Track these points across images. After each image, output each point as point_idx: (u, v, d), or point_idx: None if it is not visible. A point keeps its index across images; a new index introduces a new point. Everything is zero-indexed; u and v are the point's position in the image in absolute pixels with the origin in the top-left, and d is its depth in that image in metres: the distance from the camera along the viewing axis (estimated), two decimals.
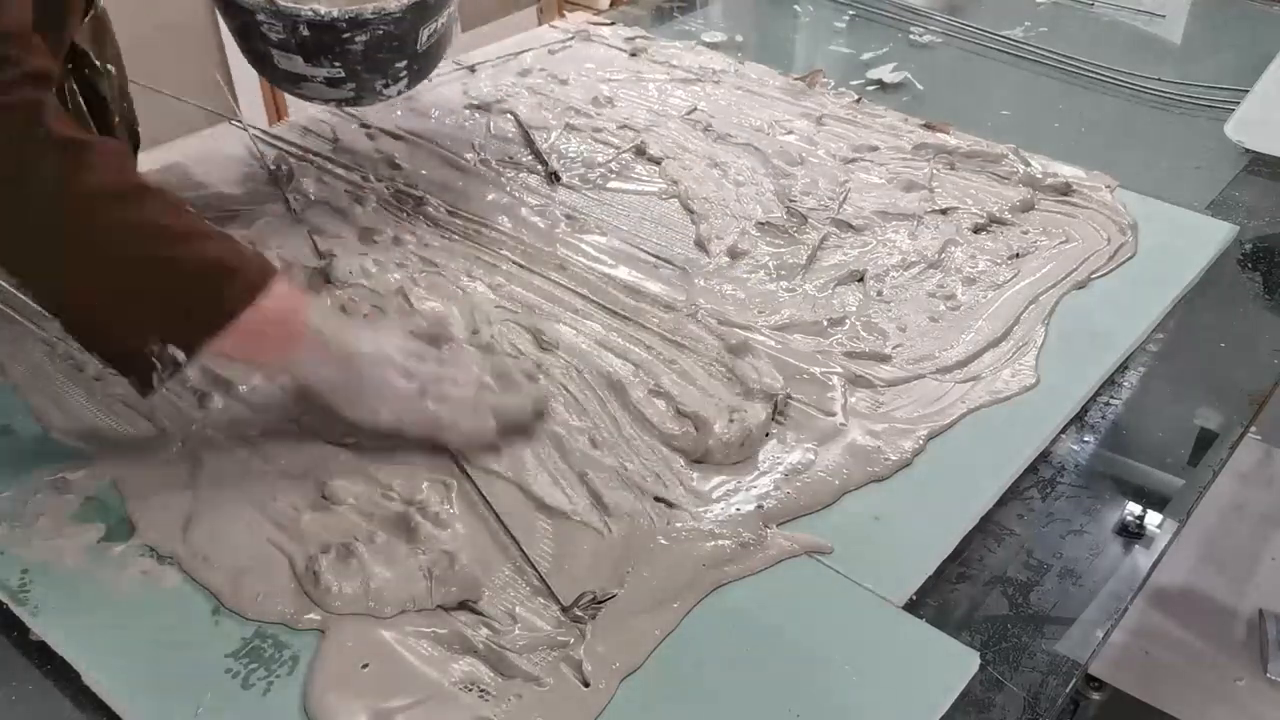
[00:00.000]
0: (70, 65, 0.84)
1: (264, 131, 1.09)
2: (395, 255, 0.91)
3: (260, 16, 0.87)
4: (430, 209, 0.98)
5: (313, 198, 0.98)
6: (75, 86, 0.86)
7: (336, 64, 0.90)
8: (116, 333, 0.64)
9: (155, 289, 0.63)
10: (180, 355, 0.64)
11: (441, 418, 0.69)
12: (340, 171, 1.03)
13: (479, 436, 0.70)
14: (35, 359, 0.78)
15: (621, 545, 0.65)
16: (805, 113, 1.17)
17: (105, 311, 0.64)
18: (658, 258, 0.92)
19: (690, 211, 0.99)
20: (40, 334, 0.80)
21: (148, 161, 1.07)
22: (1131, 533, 0.69)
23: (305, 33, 0.87)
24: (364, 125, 1.12)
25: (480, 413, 0.70)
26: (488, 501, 0.67)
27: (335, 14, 0.87)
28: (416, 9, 0.90)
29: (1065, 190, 1.03)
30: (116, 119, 0.92)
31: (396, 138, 1.10)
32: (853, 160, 1.08)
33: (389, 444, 0.70)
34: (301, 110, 1.14)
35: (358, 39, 0.88)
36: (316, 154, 1.06)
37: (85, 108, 0.87)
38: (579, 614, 0.60)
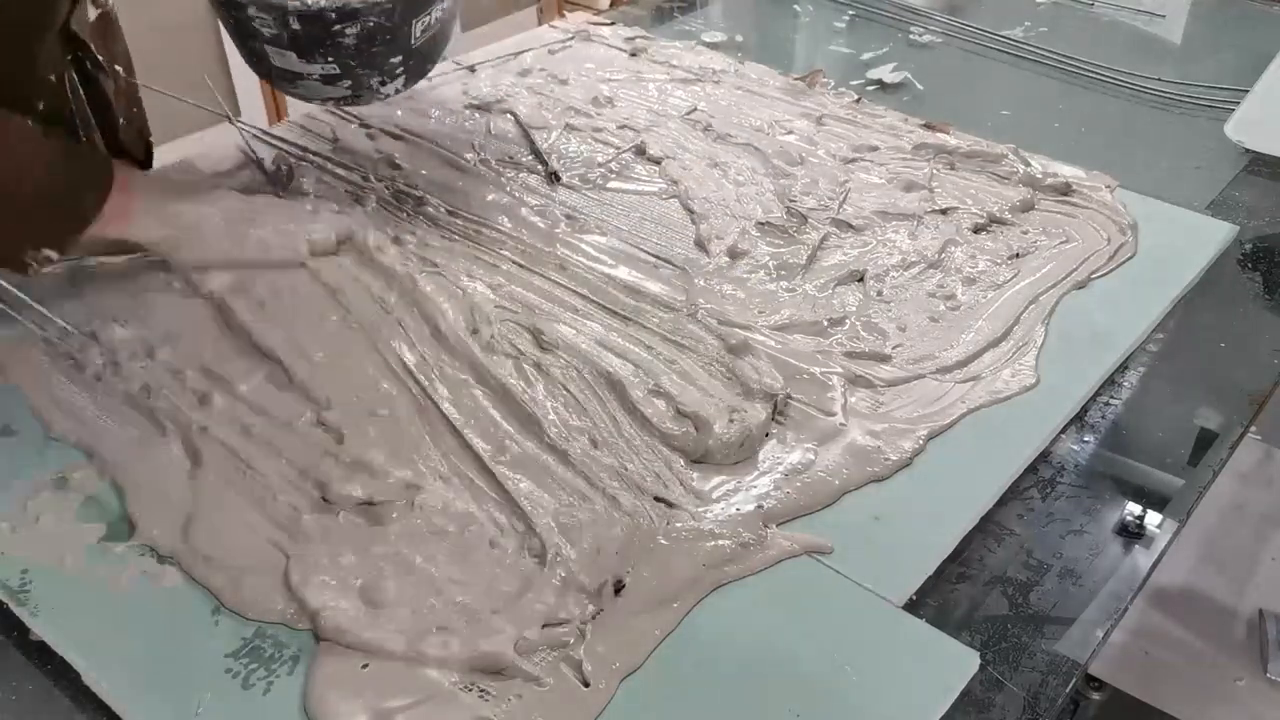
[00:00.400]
0: (70, 57, 0.85)
1: (264, 131, 1.09)
2: (396, 255, 0.91)
3: (251, 10, 0.88)
4: (430, 209, 0.98)
5: (313, 198, 0.98)
6: (76, 79, 0.86)
7: (330, 59, 0.90)
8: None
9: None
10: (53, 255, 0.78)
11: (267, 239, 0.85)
12: (340, 171, 1.03)
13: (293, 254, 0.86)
14: (35, 359, 0.78)
15: (624, 543, 0.65)
16: (805, 113, 1.17)
17: None
18: (658, 258, 0.92)
19: (690, 211, 0.99)
20: (41, 334, 0.80)
21: None
22: (1131, 533, 0.69)
23: (295, 26, 0.87)
24: (364, 125, 1.12)
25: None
26: (505, 491, 0.67)
27: (324, 4, 0.87)
28: (406, 0, 0.90)
29: (1065, 190, 1.03)
30: (122, 121, 0.92)
31: (396, 138, 1.10)
32: (853, 160, 1.08)
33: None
34: (301, 110, 1.15)
35: (348, 31, 0.88)
36: (316, 154, 1.06)
37: (86, 103, 0.88)
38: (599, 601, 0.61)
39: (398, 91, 0.98)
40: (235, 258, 0.86)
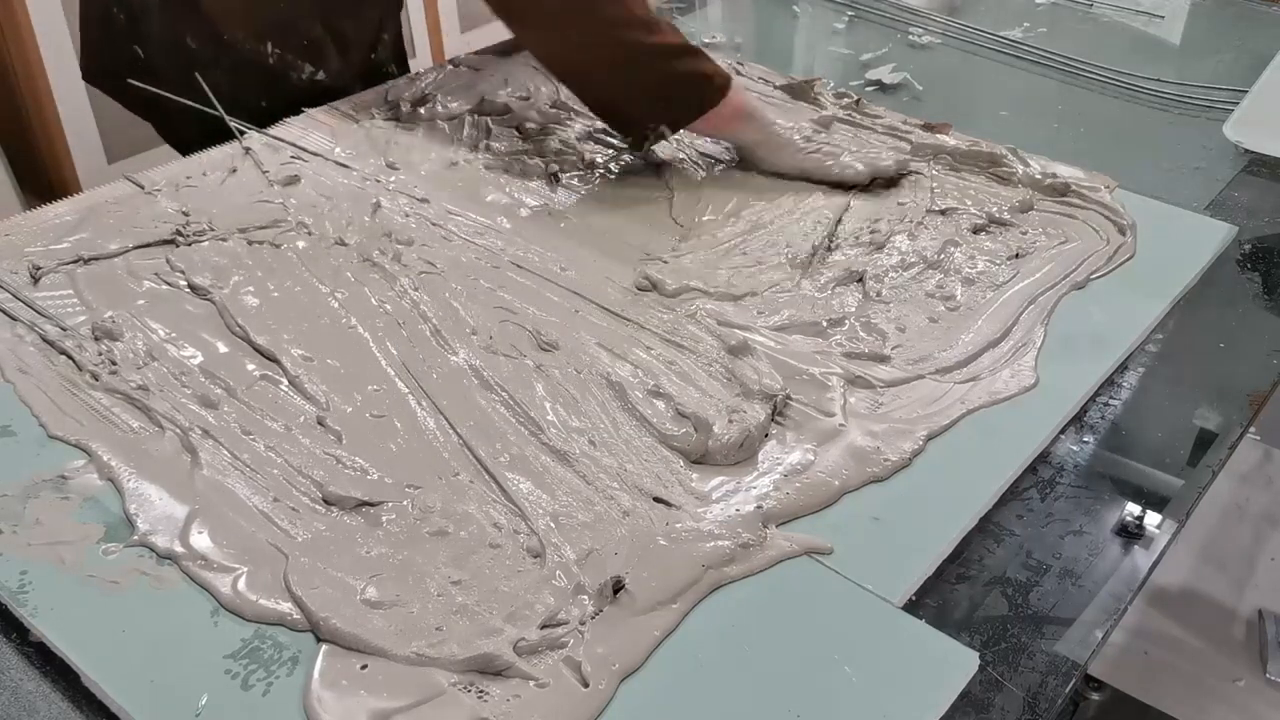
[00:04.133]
0: None
1: (263, 132, 1.09)
2: (395, 256, 0.91)
3: None
4: (430, 209, 0.98)
5: (313, 199, 0.98)
6: None
7: None
8: (626, 114, 1.02)
9: (658, 89, 1.00)
10: (667, 131, 1.02)
11: (827, 163, 1.03)
12: (340, 173, 1.03)
13: (852, 176, 1.03)
14: (35, 359, 0.78)
15: (624, 544, 0.65)
16: (804, 114, 1.17)
17: (624, 102, 1.02)
18: (658, 258, 0.92)
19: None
20: (40, 334, 0.80)
21: (147, 162, 1.07)
22: (1131, 533, 0.69)
23: None
24: (364, 125, 1.12)
25: (850, 162, 1.04)
26: (505, 490, 0.67)
27: None
28: None
29: (1064, 191, 1.03)
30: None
31: (396, 138, 1.10)
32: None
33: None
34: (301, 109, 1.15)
35: None
36: (316, 154, 1.06)
37: None
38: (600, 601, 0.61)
39: None
40: (804, 169, 1.04)
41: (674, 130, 1.01)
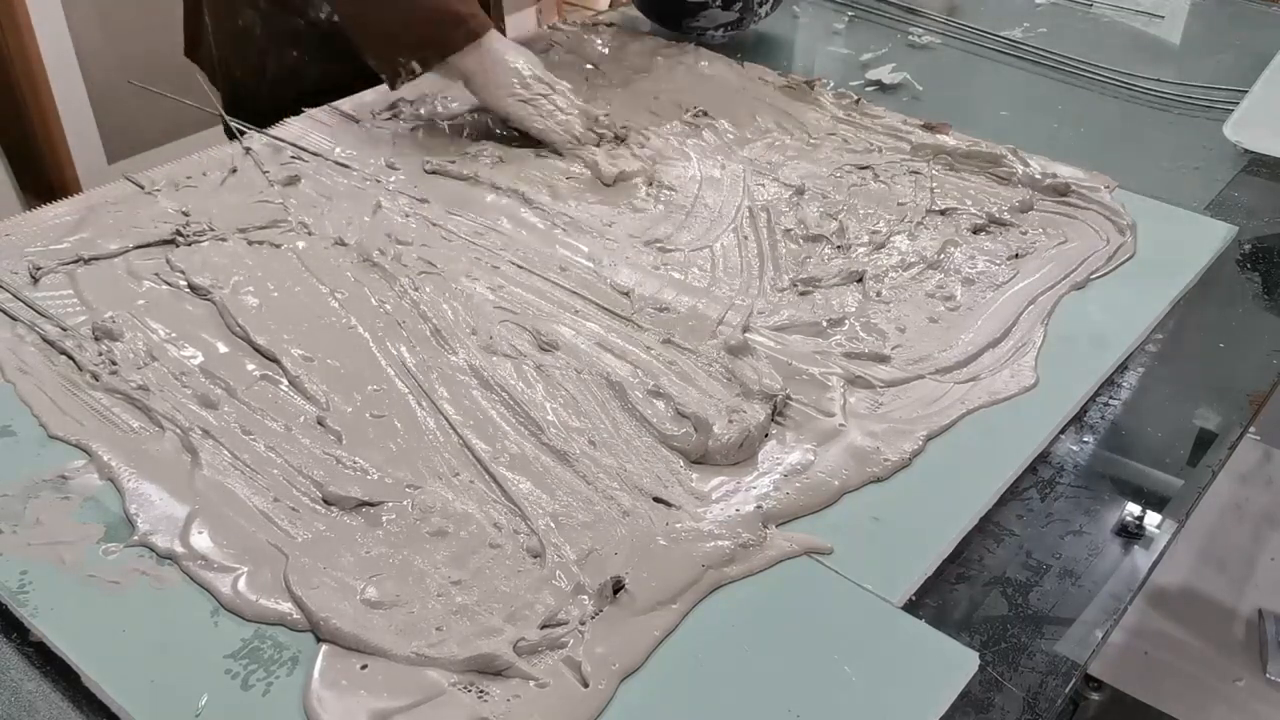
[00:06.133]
0: None
1: (263, 132, 1.09)
2: (396, 256, 0.91)
3: None
4: (430, 209, 0.98)
5: (313, 199, 0.98)
6: None
7: None
8: (380, 48, 1.06)
9: (412, 25, 1.03)
10: (417, 67, 1.05)
11: (528, 116, 1.07)
12: (340, 173, 1.03)
13: (549, 138, 1.07)
14: (35, 359, 0.78)
15: (624, 544, 0.65)
16: (806, 115, 1.17)
17: (377, 37, 1.05)
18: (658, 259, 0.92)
19: (686, 214, 0.99)
20: (40, 334, 0.80)
21: (147, 162, 1.07)
22: (1131, 533, 0.70)
23: None
24: (364, 125, 1.12)
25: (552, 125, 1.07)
26: (503, 489, 0.67)
27: None
28: None
29: (1064, 191, 1.03)
30: None
31: (396, 138, 1.10)
32: (853, 161, 1.08)
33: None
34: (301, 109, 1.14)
35: None
36: (316, 154, 1.06)
37: None
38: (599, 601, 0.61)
39: (768, 14, 1.33)
40: (509, 113, 1.07)
41: (424, 69, 1.05)
